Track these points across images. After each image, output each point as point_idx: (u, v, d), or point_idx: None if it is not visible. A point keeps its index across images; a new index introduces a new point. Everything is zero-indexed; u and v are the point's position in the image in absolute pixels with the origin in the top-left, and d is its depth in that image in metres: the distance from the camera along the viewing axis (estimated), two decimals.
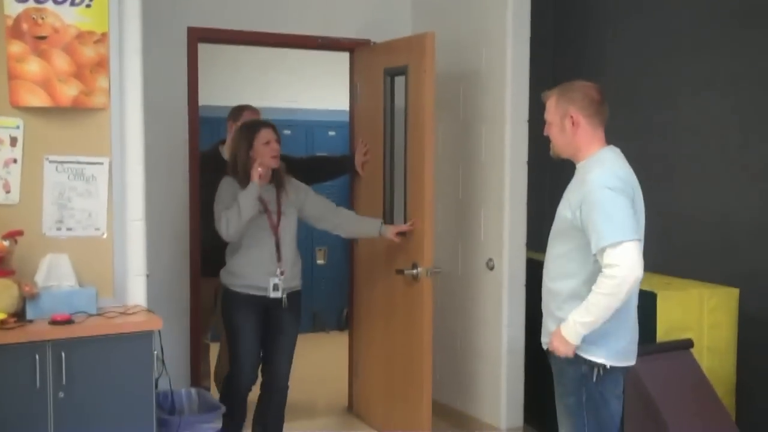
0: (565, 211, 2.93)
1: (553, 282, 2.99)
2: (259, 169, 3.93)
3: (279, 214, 4.09)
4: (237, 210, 3.90)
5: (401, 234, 4.33)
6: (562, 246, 2.96)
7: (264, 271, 4.03)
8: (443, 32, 4.51)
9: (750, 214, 4.03)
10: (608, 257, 2.73)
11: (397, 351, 4.56)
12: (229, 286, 4.10)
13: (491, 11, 4.56)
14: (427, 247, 4.26)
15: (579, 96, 2.93)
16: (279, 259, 4.04)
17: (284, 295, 4.05)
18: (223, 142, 4.96)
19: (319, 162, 5.47)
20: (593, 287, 2.78)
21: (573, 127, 2.93)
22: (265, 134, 4.04)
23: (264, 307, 4.08)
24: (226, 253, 4.16)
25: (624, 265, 2.71)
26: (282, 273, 4.04)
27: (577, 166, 2.99)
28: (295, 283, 4.18)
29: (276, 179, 4.12)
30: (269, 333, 4.15)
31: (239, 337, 4.11)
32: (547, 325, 3.02)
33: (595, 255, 2.79)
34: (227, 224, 3.92)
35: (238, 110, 4.92)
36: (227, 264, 4.13)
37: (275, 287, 4.03)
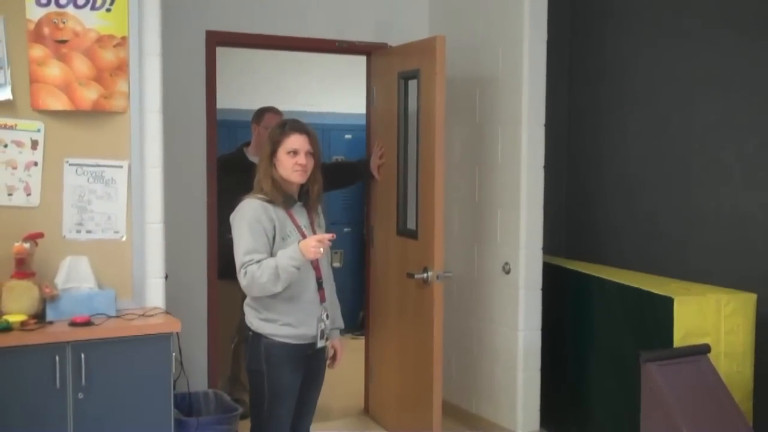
0: None
1: None
2: (321, 249, 3.13)
3: None
4: (275, 275, 3.12)
5: None
6: None
7: (313, 314, 3.30)
8: (460, 35, 4.51)
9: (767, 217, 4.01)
10: None
11: (409, 354, 4.56)
12: (271, 336, 3.25)
13: (508, 14, 4.56)
14: (437, 251, 4.23)
15: None
16: (322, 299, 3.35)
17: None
18: (248, 144, 4.99)
19: (337, 169, 5.47)
20: None
21: None
22: (294, 141, 3.25)
23: (306, 358, 3.36)
24: None
25: None
26: (328, 316, 3.36)
27: None
28: (339, 322, 3.58)
29: (305, 199, 3.36)
30: (302, 388, 3.40)
31: (281, 400, 3.30)
32: None
33: None
34: (252, 283, 3.15)
35: (261, 112, 4.96)
36: (259, 308, 3.28)
37: (322, 334, 3.33)
